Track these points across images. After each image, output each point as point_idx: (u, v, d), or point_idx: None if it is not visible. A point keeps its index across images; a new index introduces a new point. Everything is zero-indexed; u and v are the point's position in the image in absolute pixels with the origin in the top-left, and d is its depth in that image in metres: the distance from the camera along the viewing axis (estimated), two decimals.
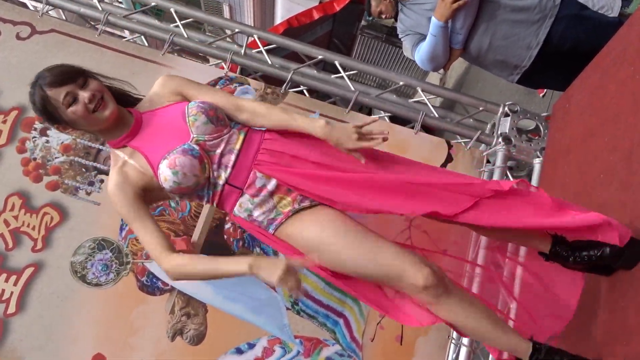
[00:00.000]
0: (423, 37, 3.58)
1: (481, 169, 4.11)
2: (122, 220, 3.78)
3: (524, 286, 2.48)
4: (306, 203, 2.21)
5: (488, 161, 4.16)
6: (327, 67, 4.79)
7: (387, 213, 2.21)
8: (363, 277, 2.21)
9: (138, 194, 2.20)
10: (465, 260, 2.56)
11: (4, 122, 3.89)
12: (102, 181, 3.85)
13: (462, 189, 2.15)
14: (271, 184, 2.20)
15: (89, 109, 2.15)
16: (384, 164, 2.25)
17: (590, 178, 2.81)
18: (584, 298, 2.44)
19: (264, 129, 2.30)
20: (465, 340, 3.51)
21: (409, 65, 9.66)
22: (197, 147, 2.15)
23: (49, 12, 4.26)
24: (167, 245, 2.18)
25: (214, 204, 2.26)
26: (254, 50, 4.49)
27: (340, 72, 4.42)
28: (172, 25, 4.45)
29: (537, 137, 4.11)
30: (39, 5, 4.24)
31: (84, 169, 3.88)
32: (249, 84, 4.22)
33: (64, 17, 4.39)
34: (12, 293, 3.65)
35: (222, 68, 4.31)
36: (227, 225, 3.85)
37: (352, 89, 4.34)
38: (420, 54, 3.63)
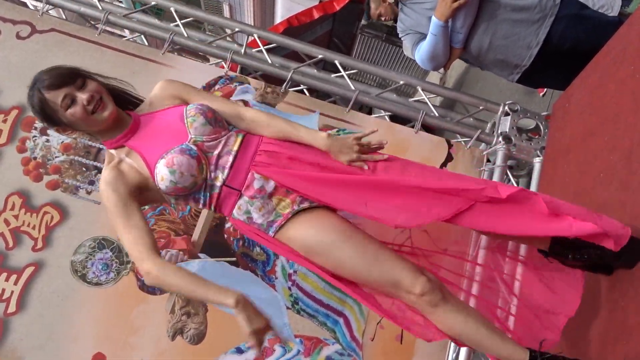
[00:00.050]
0: (423, 37, 3.58)
1: (481, 168, 4.11)
2: None
3: (525, 284, 2.48)
4: (305, 204, 2.21)
5: (488, 160, 4.16)
6: (327, 66, 4.79)
7: (382, 222, 2.22)
8: (361, 281, 2.22)
9: (131, 191, 2.18)
10: (465, 260, 2.56)
11: (4, 121, 3.89)
12: None
13: (459, 192, 2.15)
14: (270, 185, 2.20)
15: (88, 110, 2.15)
16: (382, 165, 2.25)
17: (590, 177, 2.81)
18: (583, 297, 2.44)
19: None
20: None
21: (409, 65, 9.67)
22: (195, 148, 2.15)
23: (49, 11, 4.26)
24: (155, 247, 2.12)
25: (212, 208, 2.24)
26: (254, 50, 4.50)
27: (340, 72, 4.43)
28: (172, 24, 4.45)
29: (537, 137, 4.11)
30: (39, 5, 4.24)
31: (84, 168, 3.88)
32: (249, 83, 4.23)
33: (64, 17, 4.40)
34: (12, 292, 3.65)
35: (222, 67, 4.31)
36: (228, 225, 3.85)
37: (352, 88, 4.34)
38: (420, 53, 3.63)
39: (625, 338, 2.14)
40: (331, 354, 3.72)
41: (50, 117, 2.19)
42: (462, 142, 4.28)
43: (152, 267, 2.08)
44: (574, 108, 3.34)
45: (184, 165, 2.11)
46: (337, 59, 4.44)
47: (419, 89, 4.43)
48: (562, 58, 3.44)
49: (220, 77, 4.20)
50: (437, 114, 4.36)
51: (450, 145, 4.18)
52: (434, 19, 3.41)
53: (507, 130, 4.07)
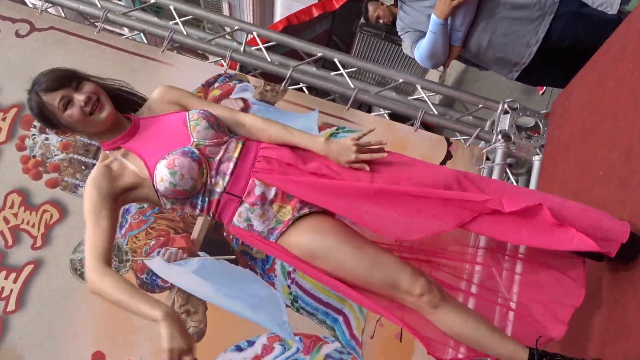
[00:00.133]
0: (423, 35, 3.58)
1: (481, 166, 4.11)
2: (121, 217, 3.78)
3: (525, 280, 2.47)
4: (305, 210, 2.21)
5: (487, 158, 4.16)
6: (327, 64, 4.79)
7: (381, 235, 2.22)
8: (361, 284, 2.22)
9: (115, 192, 2.17)
10: (464, 259, 2.56)
11: (4, 119, 3.89)
12: None
13: (461, 204, 2.14)
14: (270, 192, 2.19)
15: (85, 112, 2.14)
16: (384, 169, 2.24)
17: (589, 175, 2.81)
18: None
19: None
20: None
21: (408, 63, 9.65)
22: (197, 151, 2.15)
23: (48, 9, 4.26)
24: (106, 256, 2.10)
25: (210, 214, 2.24)
26: (253, 48, 4.50)
27: (339, 70, 4.43)
28: (171, 22, 4.45)
29: (536, 135, 4.11)
30: (38, 3, 4.24)
31: (83, 167, 3.88)
32: (248, 81, 4.22)
33: (63, 15, 4.38)
34: (11, 290, 3.65)
35: (222, 65, 4.31)
36: None
37: (352, 86, 4.34)
38: (419, 51, 3.63)
39: (625, 336, 2.14)
40: (330, 352, 3.72)
41: (48, 120, 2.19)
42: (462, 140, 4.28)
43: (94, 275, 2.08)
44: (573, 106, 3.34)
45: (185, 167, 2.11)
46: (337, 57, 4.45)
47: (419, 87, 4.43)
48: (561, 56, 3.44)
49: (220, 75, 4.20)
50: (436, 112, 4.36)
51: (449, 144, 4.18)
52: (433, 17, 3.41)
53: (507, 128, 4.07)
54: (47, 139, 3.89)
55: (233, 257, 3.82)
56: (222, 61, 4.31)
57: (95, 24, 4.29)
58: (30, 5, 4.40)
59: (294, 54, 4.66)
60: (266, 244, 2.23)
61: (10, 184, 3.81)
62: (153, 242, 3.79)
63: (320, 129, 4.12)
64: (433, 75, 9.59)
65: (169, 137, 2.19)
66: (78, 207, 3.79)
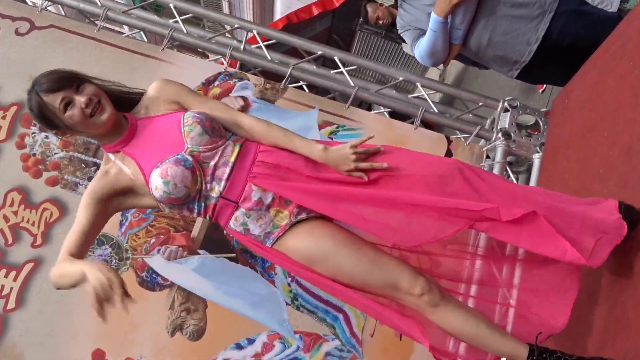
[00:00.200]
0: (423, 33, 3.57)
1: (481, 164, 4.11)
2: (121, 215, 3.79)
3: (525, 275, 2.47)
4: (303, 215, 2.20)
5: (488, 156, 4.16)
6: (327, 62, 4.79)
7: (379, 238, 2.22)
8: (360, 286, 2.22)
9: (107, 197, 2.21)
10: (464, 257, 2.56)
11: (4, 117, 3.89)
12: None
13: (459, 212, 2.13)
14: (267, 197, 2.19)
15: (86, 113, 2.14)
16: (383, 172, 2.23)
17: (589, 173, 2.81)
18: (582, 294, 2.44)
19: None
20: None
21: (408, 61, 9.65)
22: (190, 158, 2.14)
23: (48, 7, 4.25)
24: (75, 249, 2.14)
25: (207, 217, 2.24)
26: (253, 46, 4.49)
27: (339, 68, 4.43)
28: (171, 20, 4.44)
29: (536, 133, 4.10)
30: (38, 1, 4.24)
31: (83, 165, 3.88)
32: (248, 79, 4.22)
33: (63, 13, 4.38)
34: (11, 289, 3.65)
35: (222, 63, 4.31)
36: None
37: (352, 84, 4.34)
38: (419, 49, 3.63)
39: (624, 334, 2.14)
40: (331, 350, 3.73)
41: (49, 121, 2.19)
42: (462, 138, 4.28)
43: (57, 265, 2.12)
44: (574, 104, 3.34)
45: (177, 176, 2.11)
46: (337, 55, 4.44)
47: (419, 85, 4.43)
48: (561, 54, 3.44)
49: (220, 74, 4.20)
50: (436, 110, 4.36)
51: (449, 142, 4.18)
52: (433, 15, 3.41)
53: (507, 126, 4.07)
54: (47, 137, 3.89)
55: (233, 255, 3.82)
56: (222, 59, 4.31)
57: (95, 22, 4.29)
58: (30, 3, 4.40)
59: (294, 52, 4.65)
60: (262, 248, 2.23)
61: (10, 182, 3.81)
62: (153, 240, 3.80)
63: (320, 127, 4.12)
64: (433, 73, 9.58)
65: (163, 142, 2.19)
66: (78, 206, 3.78)
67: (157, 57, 4.15)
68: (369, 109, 5.09)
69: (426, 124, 4.46)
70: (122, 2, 4.59)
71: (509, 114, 4.11)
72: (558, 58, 3.46)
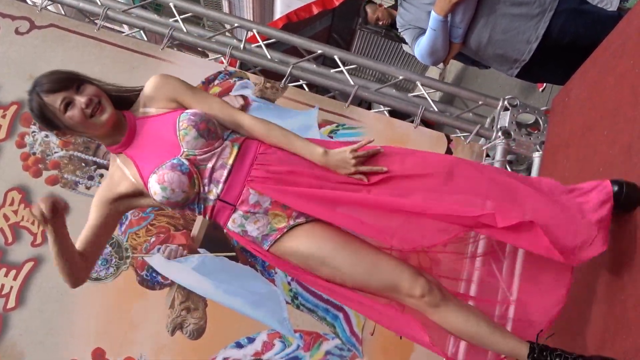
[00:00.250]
0: (423, 31, 3.57)
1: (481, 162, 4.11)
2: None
3: (524, 273, 2.47)
4: (301, 219, 2.20)
5: (487, 155, 4.16)
6: (327, 61, 4.79)
7: (376, 240, 2.22)
8: (361, 288, 2.22)
9: (112, 199, 2.26)
10: (464, 255, 2.56)
11: (4, 116, 3.89)
12: (101, 175, 3.85)
13: (454, 220, 2.14)
14: (265, 201, 2.18)
15: (86, 114, 2.15)
16: (383, 176, 2.23)
17: (589, 172, 2.80)
18: (582, 292, 2.45)
19: None
20: None
21: (408, 60, 9.66)
22: (186, 163, 2.14)
23: (48, 7, 4.25)
24: (83, 248, 2.27)
25: (207, 217, 2.25)
26: (253, 45, 4.49)
27: (339, 67, 4.43)
28: (171, 19, 4.45)
29: (536, 131, 4.11)
30: (38, 0, 4.24)
31: (83, 164, 3.88)
32: (248, 79, 4.22)
33: (62, 12, 4.38)
34: (11, 287, 3.65)
35: (222, 62, 4.31)
36: None
37: (352, 83, 4.34)
38: (420, 48, 3.63)
39: (624, 333, 2.14)
40: (331, 349, 3.73)
41: (49, 121, 2.19)
42: (462, 137, 4.28)
43: None
44: (574, 103, 3.33)
45: (174, 182, 2.11)
46: (337, 54, 4.44)
47: (419, 84, 4.43)
48: (561, 52, 3.44)
49: (220, 73, 4.20)
50: (436, 109, 4.36)
51: (449, 140, 4.18)
52: (433, 13, 3.41)
53: (507, 125, 4.07)
54: (47, 136, 3.89)
55: (233, 254, 3.82)
56: (222, 58, 4.31)
57: (95, 21, 4.29)
58: (30, 2, 4.40)
59: (294, 51, 4.65)
60: (259, 250, 2.23)
61: (10, 181, 3.81)
62: (153, 239, 3.80)
63: (320, 126, 4.12)
64: (433, 72, 9.58)
65: (160, 145, 2.19)
66: (78, 204, 3.77)
67: (157, 56, 4.15)
68: (369, 107, 5.08)
69: (426, 123, 4.46)
70: (122, 1, 4.59)
71: (508, 112, 4.11)
72: (558, 57, 3.46)
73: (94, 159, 3.89)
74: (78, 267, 2.24)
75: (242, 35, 4.51)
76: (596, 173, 2.70)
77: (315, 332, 3.75)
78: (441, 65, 4.12)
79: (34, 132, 3.89)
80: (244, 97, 4.14)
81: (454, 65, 9.14)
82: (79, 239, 2.26)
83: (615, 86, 2.79)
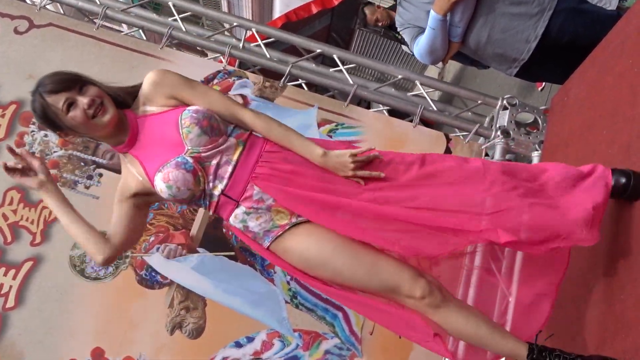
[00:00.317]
0: (422, 30, 3.57)
1: None
2: None
3: (522, 272, 2.48)
4: (303, 218, 2.20)
5: (487, 154, 4.16)
6: (326, 60, 4.79)
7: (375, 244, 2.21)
8: (361, 289, 2.22)
9: (128, 196, 2.28)
10: (464, 255, 2.56)
11: (3, 116, 3.89)
12: (100, 175, 3.85)
13: (456, 233, 2.14)
14: (269, 197, 2.18)
15: (88, 114, 2.16)
16: (385, 182, 2.23)
17: None
18: (581, 292, 2.45)
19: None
20: None
21: (407, 59, 9.65)
22: (190, 161, 2.14)
23: (47, 6, 4.24)
24: (110, 237, 2.32)
25: (211, 212, 2.26)
26: (252, 44, 4.49)
27: (338, 66, 4.42)
28: (170, 19, 4.44)
29: (535, 131, 4.11)
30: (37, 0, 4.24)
31: (82, 163, 3.88)
32: (247, 78, 4.22)
33: (61, 11, 4.38)
34: (11, 287, 3.65)
35: (221, 62, 4.30)
36: None
37: (351, 82, 4.34)
38: (419, 47, 3.63)
39: (624, 332, 2.14)
40: (330, 348, 3.73)
41: (52, 122, 2.21)
42: (461, 137, 4.28)
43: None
44: (573, 102, 3.33)
45: (179, 180, 2.12)
46: (336, 54, 4.44)
47: (418, 84, 4.43)
48: (560, 52, 3.44)
49: (219, 72, 4.20)
50: (435, 108, 4.36)
51: (448, 140, 4.18)
52: (432, 12, 3.41)
53: (506, 124, 4.07)
54: (46, 135, 3.89)
55: (232, 253, 3.82)
56: (221, 57, 4.31)
57: (94, 20, 4.28)
58: (29, 1, 4.39)
59: (293, 50, 4.65)
60: (259, 247, 2.23)
61: (9, 181, 3.76)
62: (152, 239, 3.80)
63: (320, 125, 4.12)
64: (432, 71, 9.58)
65: (163, 143, 2.19)
66: (77, 204, 3.70)
67: (156, 55, 4.15)
68: (368, 107, 5.09)
69: (425, 122, 4.46)
70: (121, 0, 4.59)
71: (507, 112, 4.11)
72: (557, 56, 3.46)
73: (93, 158, 3.89)
74: (98, 240, 2.30)
75: (241, 34, 4.50)
76: None
77: (314, 332, 3.75)
78: (440, 64, 4.14)
79: (33, 131, 3.89)
80: (243, 96, 4.14)
81: (453, 65, 9.14)
82: (108, 232, 2.31)
83: (614, 86, 2.79)
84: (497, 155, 4.01)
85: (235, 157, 2.19)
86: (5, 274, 3.66)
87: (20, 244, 3.72)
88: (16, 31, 4.07)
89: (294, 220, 2.19)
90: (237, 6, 11.24)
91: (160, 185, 2.14)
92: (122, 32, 4.58)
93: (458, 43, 3.58)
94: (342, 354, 3.73)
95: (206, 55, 5.06)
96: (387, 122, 4.26)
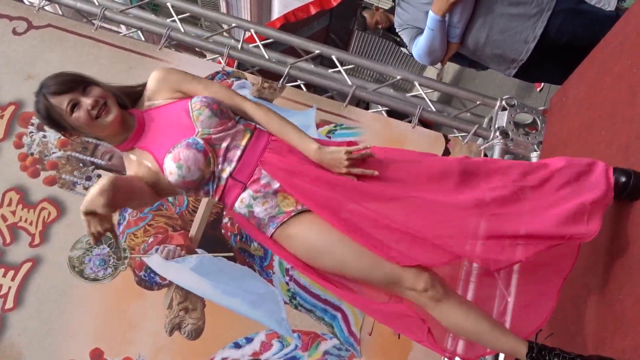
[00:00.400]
0: (420, 31, 3.57)
1: None
2: (119, 215, 3.78)
3: (522, 272, 2.48)
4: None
5: (485, 155, 4.16)
6: (325, 61, 4.78)
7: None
8: (363, 281, 2.23)
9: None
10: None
11: (1, 117, 3.89)
12: (99, 176, 3.85)
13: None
14: (275, 182, 2.21)
15: (92, 115, 2.18)
16: (385, 187, 2.23)
17: None
18: (580, 292, 2.45)
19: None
20: None
21: (406, 60, 9.66)
22: (201, 141, 2.17)
23: (45, 7, 4.25)
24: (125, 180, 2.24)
25: (217, 199, 2.27)
26: (251, 45, 4.49)
27: (337, 67, 4.42)
28: (168, 20, 4.44)
29: (534, 131, 4.11)
30: (35, 0, 4.23)
31: (81, 164, 3.88)
32: (246, 79, 4.22)
33: (60, 12, 4.38)
34: (9, 288, 3.65)
35: (219, 62, 4.30)
36: (225, 220, 3.85)
37: (350, 83, 4.34)
38: (417, 48, 3.63)
39: (623, 332, 2.14)
40: (329, 349, 3.73)
41: (56, 122, 2.23)
42: (460, 137, 4.28)
43: None
44: (571, 102, 3.34)
45: (190, 159, 2.14)
46: (334, 54, 4.44)
47: (416, 84, 4.43)
48: (559, 52, 3.44)
49: (217, 73, 4.20)
50: (434, 109, 4.36)
51: (447, 140, 4.18)
52: (431, 13, 3.41)
53: (505, 125, 4.07)
54: (44, 136, 3.89)
55: (231, 254, 3.82)
56: (220, 58, 4.31)
57: (93, 21, 4.28)
58: (27, 2, 4.39)
59: (291, 51, 4.65)
60: (263, 235, 2.24)
61: (8, 182, 3.81)
62: (151, 240, 3.80)
63: (319, 126, 4.12)
64: (431, 72, 9.59)
65: (173, 129, 2.22)
66: (76, 205, 3.73)
67: (154, 56, 4.15)
68: (367, 107, 5.09)
69: (424, 123, 4.46)
70: (119, 1, 4.59)
71: (506, 112, 4.12)
72: (556, 56, 3.47)
73: (92, 159, 3.89)
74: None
75: (240, 35, 4.49)
76: None
77: (313, 332, 3.75)
78: (439, 65, 4.13)
79: (31, 132, 3.89)
80: None
81: (452, 66, 9.15)
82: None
83: (613, 86, 2.80)
84: (496, 155, 4.01)
85: (243, 142, 2.23)
86: (4, 275, 3.66)
87: (19, 245, 3.72)
88: (15, 32, 4.07)
89: (299, 207, 2.20)
90: (235, 7, 11.25)
91: (170, 166, 2.15)
92: (121, 33, 4.58)
93: (457, 44, 3.59)
94: (341, 355, 3.73)
95: (205, 56, 5.05)
96: (385, 123, 4.26)
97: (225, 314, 3.72)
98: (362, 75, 7.65)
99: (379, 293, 2.28)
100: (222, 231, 3.85)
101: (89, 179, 3.85)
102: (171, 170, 2.15)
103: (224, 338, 3.71)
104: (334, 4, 7.93)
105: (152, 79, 2.32)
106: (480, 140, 4.25)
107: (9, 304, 3.63)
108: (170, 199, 3.83)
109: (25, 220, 3.75)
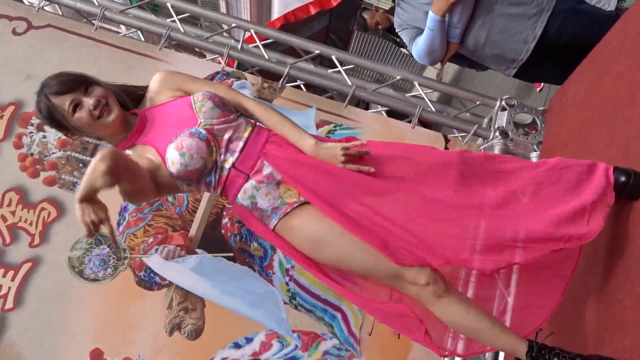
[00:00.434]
0: (420, 31, 3.58)
1: None
2: (119, 215, 3.78)
3: (522, 270, 2.48)
4: None
5: None
6: (324, 61, 4.79)
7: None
8: (365, 275, 2.23)
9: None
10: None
11: (1, 117, 3.89)
12: None
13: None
14: (278, 175, 2.22)
15: (94, 115, 2.19)
16: (385, 184, 2.24)
17: None
18: (580, 292, 2.45)
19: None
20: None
21: (406, 60, 9.67)
22: (204, 131, 2.18)
23: (45, 7, 4.25)
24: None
25: (219, 191, 2.27)
26: (250, 45, 4.49)
27: (337, 67, 4.42)
28: (168, 20, 4.44)
29: (534, 131, 4.11)
30: (35, 1, 4.23)
31: (81, 164, 3.88)
32: (245, 79, 4.22)
33: (60, 12, 4.38)
34: (9, 288, 3.65)
35: (219, 63, 4.30)
36: (225, 220, 3.85)
37: (349, 83, 4.33)
38: (417, 48, 3.63)
39: (622, 332, 2.14)
40: (329, 349, 3.72)
41: (58, 122, 2.24)
42: (459, 137, 4.28)
43: None
44: (571, 102, 3.34)
45: (193, 147, 2.15)
46: (334, 54, 4.43)
47: (416, 84, 4.42)
48: (559, 52, 3.44)
49: (217, 73, 4.20)
50: (434, 109, 4.36)
51: (447, 140, 4.18)
52: (430, 13, 3.41)
53: (504, 125, 4.07)
54: (44, 136, 3.89)
55: (231, 254, 3.82)
56: (220, 59, 4.31)
57: (93, 21, 4.28)
58: (27, 3, 4.39)
59: (291, 51, 4.65)
60: (265, 229, 2.24)
61: (7, 182, 3.81)
62: (151, 240, 3.80)
63: (318, 126, 4.12)
64: (430, 72, 9.59)
65: (176, 121, 2.23)
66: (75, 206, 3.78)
67: (154, 56, 4.15)
68: (367, 108, 5.09)
69: (424, 123, 4.45)
70: (119, 1, 4.59)
71: (506, 112, 4.11)
72: (555, 56, 3.47)
73: (92, 159, 3.88)
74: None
75: (240, 35, 4.49)
76: None
77: (313, 332, 3.75)
78: (439, 65, 4.13)
79: (31, 132, 3.89)
80: None
81: (452, 66, 9.15)
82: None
83: (613, 86, 2.80)
84: None
85: (245, 135, 2.25)
86: (3, 275, 3.66)
87: (18, 246, 3.72)
88: (14, 32, 4.07)
89: (302, 199, 2.21)
90: (235, 7, 11.25)
91: (173, 155, 2.15)
92: (121, 33, 4.58)
93: (456, 44, 3.59)
94: (341, 355, 3.73)
95: (204, 56, 5.05)
96: (385, 123, 4.26)
97: (225, 314, 3.72)
98: (362, 76, 7.65)
99: (380, 289, 2.28)
100: (222, 231, 3.85)
101: None
102: (174, 159, 2.15)
103: (224, 338, 3.71)
104: (334, 4, 7.93)
105: (155, 80, 2.36)
106: (480, 140, 4.25)
107: (9, 304, 3.63)
108: (170, 199, 3.83)
109: (25, 221, 3.75)
